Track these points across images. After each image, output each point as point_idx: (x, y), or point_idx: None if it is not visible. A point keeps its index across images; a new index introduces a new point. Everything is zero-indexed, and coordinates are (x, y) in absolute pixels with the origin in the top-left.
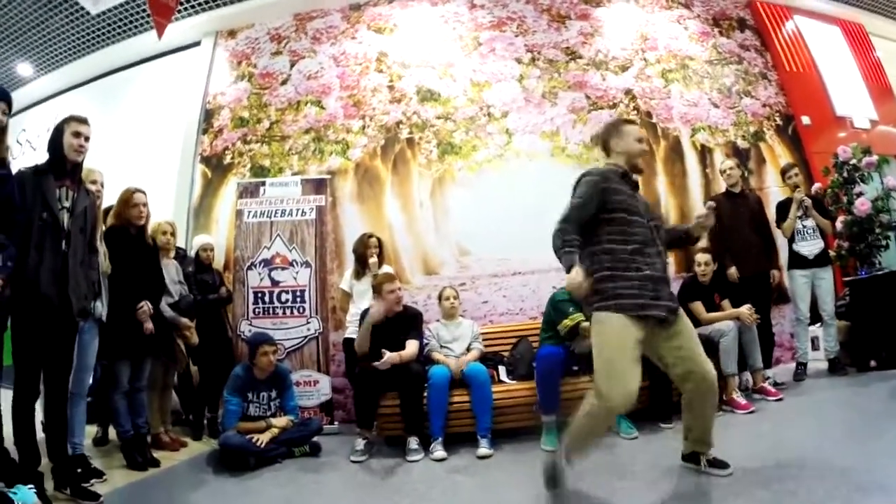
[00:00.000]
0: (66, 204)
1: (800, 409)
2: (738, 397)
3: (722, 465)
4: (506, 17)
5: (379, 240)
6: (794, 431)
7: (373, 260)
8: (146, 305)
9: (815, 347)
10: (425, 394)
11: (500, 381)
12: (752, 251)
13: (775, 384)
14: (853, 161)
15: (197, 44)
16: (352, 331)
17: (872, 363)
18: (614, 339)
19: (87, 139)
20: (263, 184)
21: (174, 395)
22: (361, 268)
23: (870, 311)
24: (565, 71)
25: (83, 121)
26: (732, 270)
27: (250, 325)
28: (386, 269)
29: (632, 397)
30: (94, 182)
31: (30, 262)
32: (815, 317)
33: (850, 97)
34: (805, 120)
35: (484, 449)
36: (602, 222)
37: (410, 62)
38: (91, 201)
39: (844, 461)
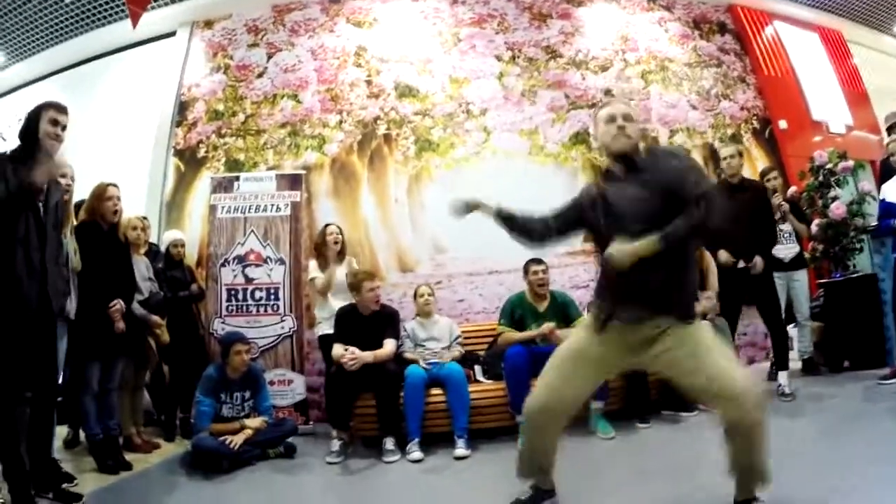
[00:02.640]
0: (41, 197)
1: (774, 408)
2: None
3: None
4: (486, 14)
5: (340, 229)
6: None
7: (334, 249)
8: (119, 304)
9: (791, 348)
10: (401, 393)
11: (477, 381)
12: (747, 242)
13: (782, 393)
14: (829, 165)
15: (172, 34)
16: (324, 327)
17: (846, 363)
18: (561, 348)
19: (63, 128)
20: (237, 179)
21: (146, 395)
22: (323, 259)
23: (843, 312)
24: (545, 69)
25: (62, 109)
26: (723, 255)
27: (223, 322)
28: (351, 261)
29: (543, 412)
30: (63, 175)
31: (17, 259)
32: (790, 318)
33: (826, 102)
34: (782, 124)
35: (461, 450)
36: None
37: (389, 57)
38: (61, 195)
39: (819, 462)
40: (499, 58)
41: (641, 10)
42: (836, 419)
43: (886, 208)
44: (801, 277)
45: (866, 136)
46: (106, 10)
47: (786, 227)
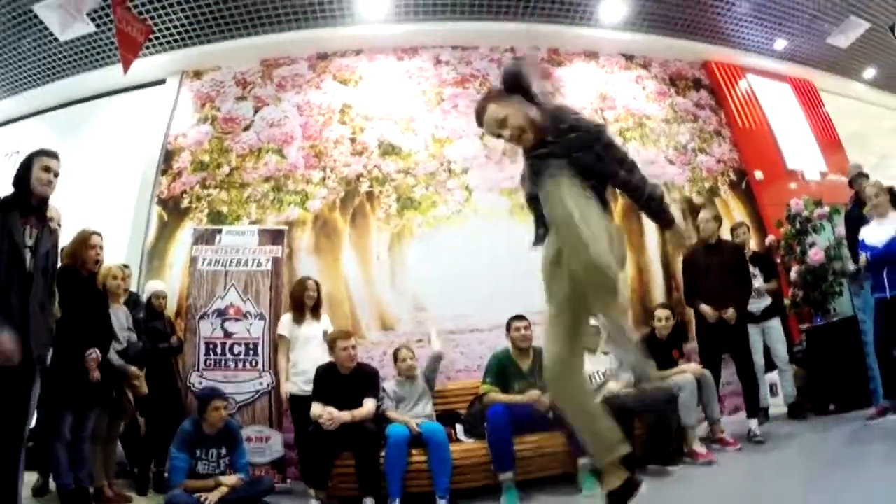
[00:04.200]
0: (30, 243)
1: (761, 456)
2: (699, 447)
3: None
4: (469, 75)
5: (317, 284)
6: (756, 480)
7: (309, 305)
8: (95, 353)
9: (774, 394)
10: (382, 453)
11: (458, 440)
12: (723, 296)
13: (754, 436)
14: (805, 213)
15: (162, 82)
16: (292, 384)
17: (831, 407)
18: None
19: (56, 175)
20: (220, 231)
21: (119, 447)
22: (299, 313)
23: (826, 356)
24: None
25: (53, 155)
26: (706, 309)
27: (201, 376)
28: (325, 318)
29: (557, 364)
30: (50, 220)
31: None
32: (771, 364)
33: (800, 151)
34: (758, 175)
35: None
36: None
37: (373, 115)
38: (54, 241)
39: None
40: None
41: (620, 69)
42: (823, 464)
43: (867, 250)
44: (775, 325)
45: (840, 179)
46: (99, 53)
47: (756, 283)
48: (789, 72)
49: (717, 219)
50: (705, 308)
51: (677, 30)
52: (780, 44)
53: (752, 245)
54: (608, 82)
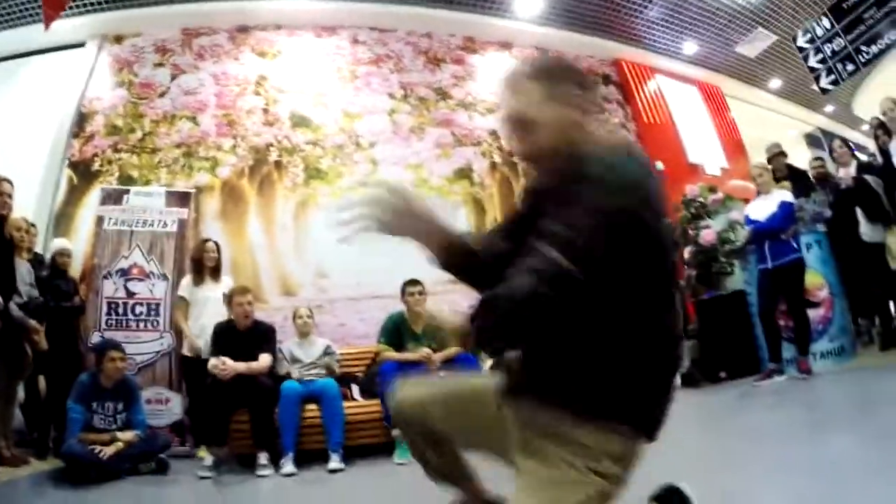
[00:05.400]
0: None
1: None
2: None
3: None
4: (384, 55)
5: (217, 245)
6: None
7: (209, 266)
8: None
9: None
10: (276, 409)
11: (353, 399)
12: None
13: None
14: (700, 199)
15: (82, 44)
16: (189, 346)
17: (722, 374)
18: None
19: None
20: (128, 192)
21: (19, 414)
22: (199, 274)
23: (716, 327)
24: (435, 109)
25: None
26: None
27: (102, 336)
28: (225, 280)
29: (410, 405)
30: None
31: None
32: None
33: (703, 148)
34: (658, 165)
35: (335, 463)
36: None
37: (288, 88)
38: None
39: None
40: (391, 95)
41: None
42: (715, 416)
43: (751, 224)
44: None
45: (746, 185)
46: (19, 11)
47: None
48: (699, 76)
49: None
50: None
51: (591, 27)
52: (690, 48)
53: None
54: None
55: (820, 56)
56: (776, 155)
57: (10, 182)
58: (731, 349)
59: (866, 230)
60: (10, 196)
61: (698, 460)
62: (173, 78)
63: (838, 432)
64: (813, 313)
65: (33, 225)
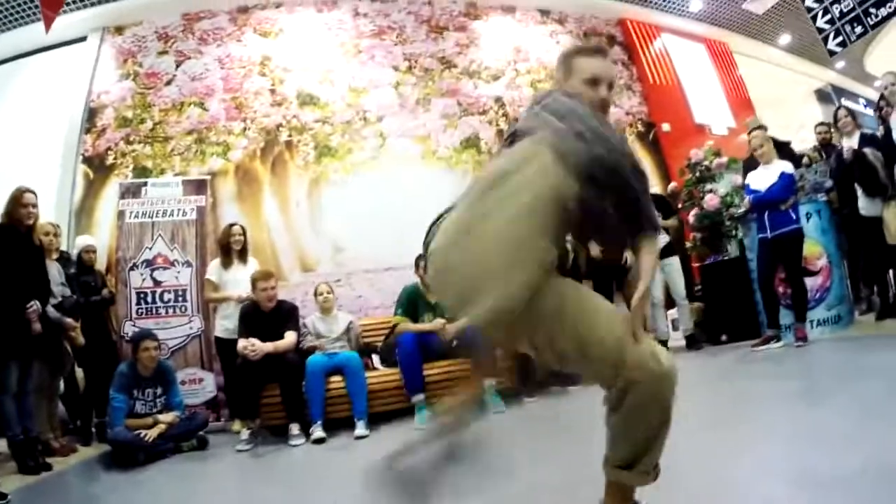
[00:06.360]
0: None
1: None
2: None
3: None
4: (387, 27)
5: (243, 229)
6: None
7: (236, 249)
8: (35, 305)
9: (675, 328)
10: (304, 382)
11: (375, 369)
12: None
13: None
14: (705, 162)
15: (83, 39)
16: (222, 328)
17: (724, 337)
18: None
19: None
20: (145, 184)
21: (61, 405)
22: (227, 257)
23: (719, 292)
24: (440, 79)
25: None
26: (594, 250)
27: (134, 325)
28: (252, 261)
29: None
30: None
31: None
32: (671, 302)
33: (709, 107)
34: (665, 127)
35: (360, 430)
36: None
37: (293, 66)
38: None
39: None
40: (396, 68)
41: (535, 24)
42: (715, 378)
43: (751, 194)
44: (673, 262)
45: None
46: (17, 11)
47: None
48: (706, 33)
49: None
50: (595, 250)
51: None
52: (696, 4)
53: (655, 191)
54: (523, 36)
55: (828, 16)
56: (756, 129)
57: (33, 192)
58: (732, 313)
59: (864, 204)
60: (34, 206)
61: (685, 421)
62: (178, 65)
63: (818, 404)
64: (811, 282)
65: (58, 226)
